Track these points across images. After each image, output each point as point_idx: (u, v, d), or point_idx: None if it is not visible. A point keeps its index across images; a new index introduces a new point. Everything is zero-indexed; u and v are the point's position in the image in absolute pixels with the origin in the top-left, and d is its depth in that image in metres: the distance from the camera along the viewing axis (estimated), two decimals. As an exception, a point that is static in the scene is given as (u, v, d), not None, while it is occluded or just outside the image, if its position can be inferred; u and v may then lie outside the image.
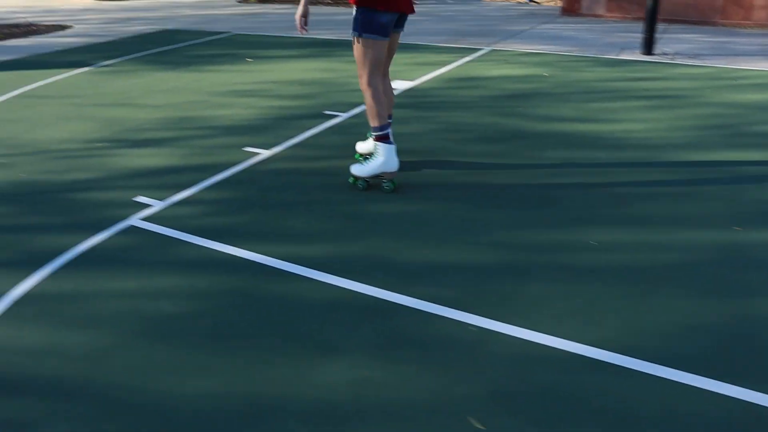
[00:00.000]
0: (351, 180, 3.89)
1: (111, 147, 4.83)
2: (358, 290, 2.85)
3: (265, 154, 4.56)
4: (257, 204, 3.76)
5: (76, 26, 11.89)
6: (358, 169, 3.81)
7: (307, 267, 3.04)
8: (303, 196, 3.85)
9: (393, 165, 3.71)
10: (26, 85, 7.05)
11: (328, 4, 14.26)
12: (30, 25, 12.15)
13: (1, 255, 3.25)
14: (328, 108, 5.63)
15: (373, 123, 3.65)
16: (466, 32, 9.70)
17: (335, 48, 8.66)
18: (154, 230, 3.46)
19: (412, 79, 6.62)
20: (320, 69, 7.29)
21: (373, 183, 3.90)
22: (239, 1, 15.45)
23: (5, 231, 3.52)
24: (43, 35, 10.94)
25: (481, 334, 2.58)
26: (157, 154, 4.62)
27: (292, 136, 4.89)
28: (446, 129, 5.01)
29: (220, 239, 3.32)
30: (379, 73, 3.64)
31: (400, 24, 3.67)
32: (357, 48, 3.58)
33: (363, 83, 3.64)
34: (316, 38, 9.46)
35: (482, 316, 2.68)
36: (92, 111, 5.85)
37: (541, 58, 7.70)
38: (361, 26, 3.52)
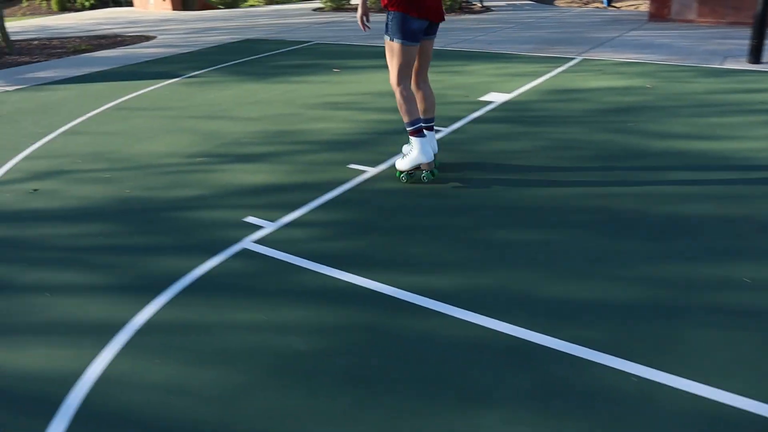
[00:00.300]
0: (397, 174, 4.15)
1: (212, 162, 4.76)
2: (500, 329, 2.63)
3: (371, 171, 4.39)
4: (373, 227, 3.59)
5: (160, 37, 12.10)
6: (400, 164, 4.11)
7: (439, 301, 2.84)
8: (420, 219, 3.66)
9: (428, 156, 3.94)
10: (119, 96, 7.12)
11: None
12: (116, 36, 12.43)
13: (118, 279, 3.17)
14: (427, 122, 5.43)
15: (405, 119, 3.90)
16: (551, 40, 9.37)
17: (421, 58, 8.46)
18: (269, 254, 3.32)
19: (508, 92, 6.36)
20: (410, 80, 7.10)
21: (415, 176, 4.13)
22: (315, 10, 15.49)
23: (119, 252, 3.44)
24: (129, 46, 11.16)
25: (645, 386, 2.31)
26: (259, 171, 4.52)
27: (395, 153, 4.71)
28: (556, 146, 4.74)
29: (341, 266, 3.16)
30: (409, 75, 3.88)
31: (431, 32, 3.88)
32: (388, 50, 3.82)
33: (393, 82, 3.88)
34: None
35: (642, 364, 2.42)
36: (187, 123, 5.83)
37: (639, 68, 7.31)
38: (393, 30, 3.73)
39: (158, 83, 7.76)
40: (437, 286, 2.95)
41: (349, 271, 3.12)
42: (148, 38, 11.98)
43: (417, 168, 4.07)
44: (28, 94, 7.80)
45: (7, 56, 10.63)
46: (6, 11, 29.37)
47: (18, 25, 12.84)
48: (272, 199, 4.03)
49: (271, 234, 3.55)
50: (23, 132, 6.00)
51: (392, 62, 3.82)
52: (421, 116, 4.05)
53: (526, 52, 8.51)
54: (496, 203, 3.81)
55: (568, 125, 5.24)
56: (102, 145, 5.36)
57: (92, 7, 28.43)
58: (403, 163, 4.08)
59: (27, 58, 10.38)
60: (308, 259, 3.24)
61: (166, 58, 9.71)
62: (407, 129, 3.93)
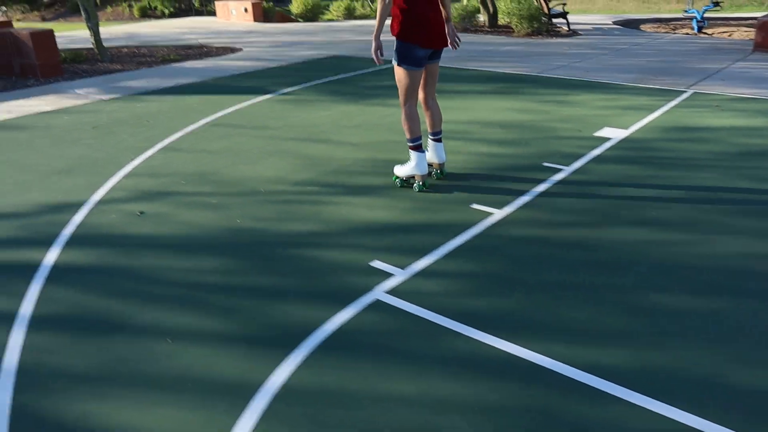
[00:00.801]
0: (393, 178, 4.55)
1: (323, 192, 4.50)
2: (692, 424, 2.24)
3: (497, 214, 4.05)
4: (515, 283, 3.24)
5: (245, 49, 12.07)
6: (398, 169, 4.50)
7: (614, 383, 2.47)
8: (568, 275, 3.29)
9: (423, 169, 4.33)
10: (214, 112, 6.99)
11: (486, 32, 13.77)
12: (202, 46, 12.47)
13: (244, 327, 2.91)
14: (546, 159, 5.07)
15: (407, 135, 4.28)
16: (653, 70, 8.88)
17: (520, 84, 8.12)
18: (406, 308, 3.01)
19: (624, 127, 5.94)
20: (516, 109, 6.76)
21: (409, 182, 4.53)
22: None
23: (240, 294, 3.19)
24: (215, 57, 11.14)
25: None
26: (375, 205, 4.23)
27: (518, 193, 4.36)
28: (696, 195, 4.30)
29: (489, 329, 2.82)
30: (415, 95, 4.24)
31: (435, 57, 4.24)
32: (397, 73, 4.18)
33: (401, 102, 4.27)
34: (492, 71, 8.97)
35: None
36: (288, 146, 5.61)
37: (759, 105, 6.78)
38: (400, 57, 4.10)
39: (252, 99, 7.62)
40: (606, 363, 2.58)
41: (500, 336, 2.77)
42: (233, 50, 11.96)
43: (410, 177, 4.43)
44: (122, 104, 7.76)
45: (99, 63, 10.74)
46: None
47: (106, 32, 13.03)
48: (396, 240, 3.73)
49: (403, 284, 3.24)
50: (122, 145, 5.89)
51: (400, 85, 4.19)
52: (430, 130, 4.49)
53: (629, 83, 8.06)
54: (649, 260, 3.41)
55: (700, 170, 4.79)
56: (204, 165, 5.18)
57: (171, 15, 29.09)
58: (401, 170, 4.47)
59: (118, 66, 10.45)
60: (451, 318, 2.92)
61: (255, 72, 9.62)
62: (408, 144, 4.31)
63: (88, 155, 5.61)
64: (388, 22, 4.18)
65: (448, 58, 10.07)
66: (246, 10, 17.02)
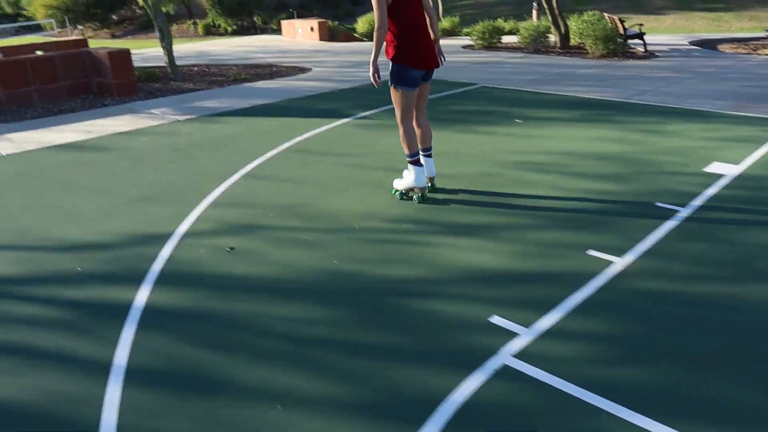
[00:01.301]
0: (392, 191, 4.81)
1: (421, 230, 4.21)
2: None
3: (618, 263, 3.68)
4: (658, 350, 2.86)
5: (315, 69, 11.96)
6: (397, 183, 4.76)
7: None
8: (712, 341, 2.90)
9: (421, 182, 4.58)
10: (292, 136, 6.81)
11: (558, 53, 13.37)
12: (271, 66, 12.42)
13: (363, 394, 2.63)
14: (657, 197, 4.67)
15: (406, 151, 4.55)
16: (749, 96, 8.34)
17: (607, 111, 7.70)
18: (539, 378, 2.67)
19: (735, 162, 5.48)
20: (609, 139, 6.36)
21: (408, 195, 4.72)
22: (464, 47, 15.03)
23: (350, 351, 2.91)
24: (286, 77, 11.05)
25: None
26: (483, 248, 3.91)
27: (636, 238, 3.98)
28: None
29: (647, 411, 2.46)
30: (411, 114, 4.51)
31: (428, 78, 4.50)
32: (393, 94, 4.44)
33: (398, 121, 4.52)
34: (573, 96, 8.56)
35: None
36: (376, 176, 5.35)
37: None
38: (396, 79, 4.36)
39: (329, 123, 7.42)
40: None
41: (649, 414, 2.41)
42: (303, 70, 11.87)
43: (409, 189, 4.67)
44: (199, 125, 7.67)
45: (171, 82, 10.76)
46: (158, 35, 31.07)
47: (175, 49, 13.13)
48: (513, 291, 3.40)
49: (531, 346, 2.90)
50: (203, 170, 5.74)
51: (397, 105, 4.44)
52: (421, 146, 4.70)
53: (727, 110, 7.55)
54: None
55: (840, 215, 4.32)
56: (290, 196, 4.96)
57: (233, 33, 29.54)
58: (400, 184, 4.72)
59: (191, 85, 10.44)
60: (591, 390, 2.57)
61: (327, 93, 9.46)
62: (407, 159, 4.56)
63: (170, 181, 5.47)
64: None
65: (524, 81, 9.72)
66: (312, 29, 17.02)
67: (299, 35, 17.68)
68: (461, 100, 8.53)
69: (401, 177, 4.83)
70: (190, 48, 16.89)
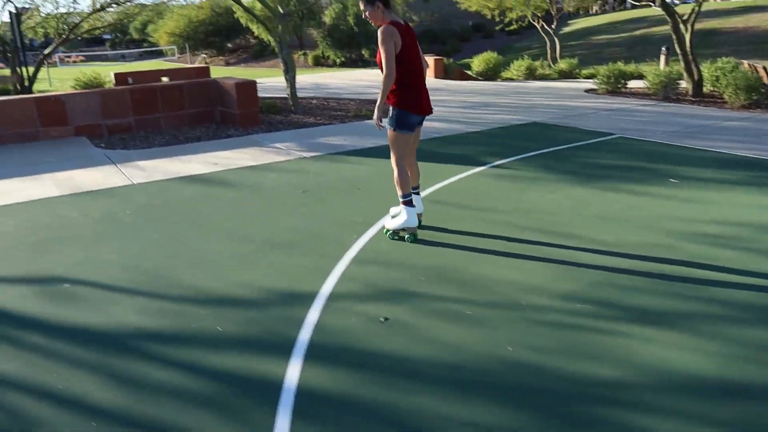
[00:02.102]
0: (384, 231, 4.93)
1: (601, 314, 3.65)
2: None
3: None
4: None
5: (435, 108, 11.58)
6: (389, 223, 4.87)
7: None
8: None
9: (413, 223, 4.74)
10: (428, 185, 6.41)
11: (691, 101, 12.44)
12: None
13: None
14: None
15: (399, 192, 4.72)
16: None
17: (779, 175, 6.86)
18: None
19: None
20: (793, 211, 5.56)
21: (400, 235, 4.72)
22: (587, 91, 14.35)
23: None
24: (407, 116, 10.68)
25: None
26: (682, 346, 3.30)
27: None
28: None
29: None
30: (406, 156, 4.76)
31: (421, 122, 4.77)
32: (392, 137, 4.67)
33: (393, 163, 4.71)
34: (722, 153, 7.72)
35: None
36: (529, 239, 4.82)
37: None
38: (397, 123, 4.61)
39: (465, 171, 6.97)
40: None
41: None
42: (423, 109, 11.52)
43: (402, 230, 4.81)
44: (327, 164, 7.41)
45: (292, 114, 10.66)
46: (270, 64, 31.87)
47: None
48: (738, 411, 2.77)
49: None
50: (338, 218, 5.40)
51: (395, 147, 4.68)
52: (411, 184, 4.91)
53: None
54: None
55: None
56: (440, 257, 4.51)
57: (341, 65, 29.91)
58: (391, 224, 4.84)
59: (311, 119, 10.30)
60: None
61: (454, 136, 9.05)
62: (401, 199, 4.72)
63: (305, 228, 5.15)
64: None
65: (666, 133, 8.98)
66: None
67: (413, 71, 17.49)
68: (599, 152, 7.90)
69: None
70: (306, 79, 16.99)
